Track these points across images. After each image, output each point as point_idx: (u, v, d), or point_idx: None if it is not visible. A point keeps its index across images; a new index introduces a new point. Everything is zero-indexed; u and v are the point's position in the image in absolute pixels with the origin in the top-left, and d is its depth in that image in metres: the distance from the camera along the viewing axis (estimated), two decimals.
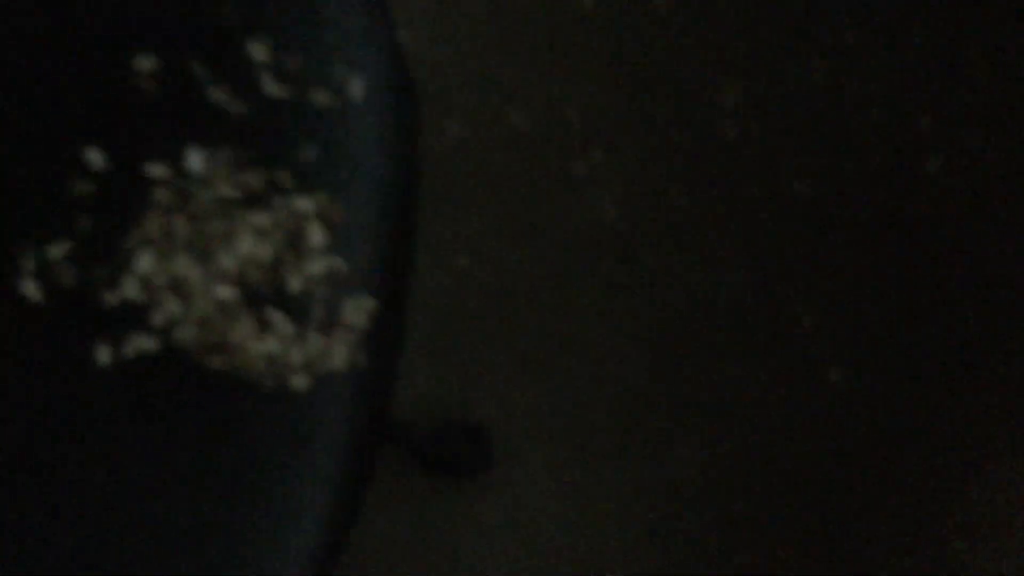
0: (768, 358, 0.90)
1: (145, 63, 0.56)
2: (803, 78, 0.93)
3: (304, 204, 0.55)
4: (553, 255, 0.90)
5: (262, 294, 0.55)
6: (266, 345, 0.54)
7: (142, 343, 0.54)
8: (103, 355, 0.55)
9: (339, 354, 0.54)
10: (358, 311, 0.55)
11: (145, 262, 0.54)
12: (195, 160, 0.55)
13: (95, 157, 0.56)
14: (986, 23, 0.94)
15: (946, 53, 0.94)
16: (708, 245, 0.91)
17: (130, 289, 0.54)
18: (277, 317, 0.54)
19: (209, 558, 0.54)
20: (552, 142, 0.91)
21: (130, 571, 0.53)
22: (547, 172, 0.90)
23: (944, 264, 0.92)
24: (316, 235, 0.55)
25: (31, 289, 0.55)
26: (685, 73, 0.92)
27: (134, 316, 0.54)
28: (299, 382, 0.54)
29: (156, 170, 0.56)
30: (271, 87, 0.56)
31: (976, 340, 0.91)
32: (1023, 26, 0.94)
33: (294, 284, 0.54)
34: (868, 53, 0.94)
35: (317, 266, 0.55)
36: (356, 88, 0.56)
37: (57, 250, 0.55)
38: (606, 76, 0.92)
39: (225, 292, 0.54)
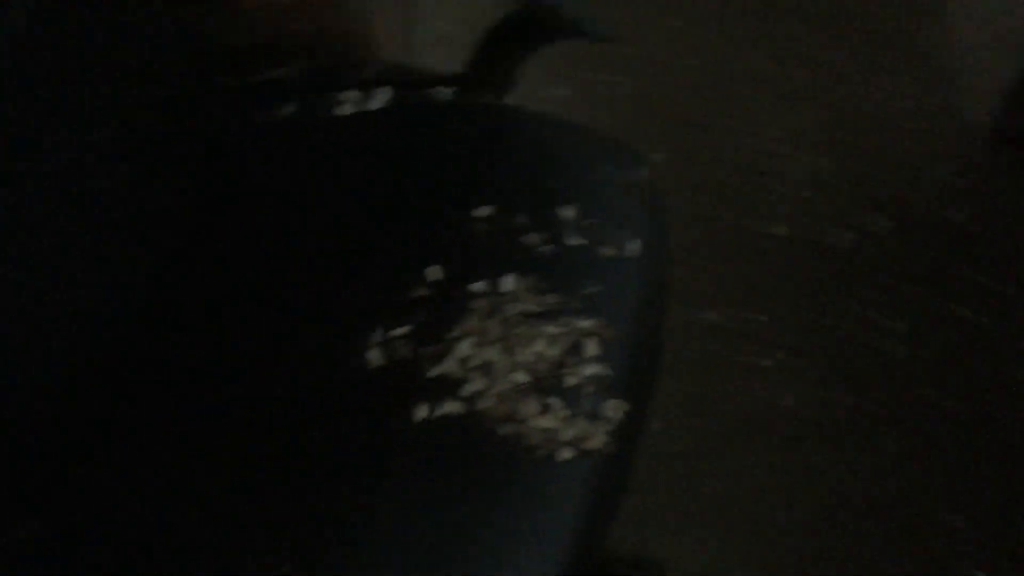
0: (916, 556, 1.01)
1: (483, 211, 0.78)
2: (962, 317, 1.09)
3: (586, 323, 0.74)
4: (733, 429, 1.06)
5: (547, 384, 0.73)
6: (545, 422, 0.71)
7: (453, 407, 0.73)
8: (421, 412, 0.73)
9: (598, 438, 0.71)
10: (616, 409, 0.72)
11: (465, 347, 0.74)
12: (509, 282, 0.76)
13: (434, 272, 0.77)
14: None
15: None
16: (866, 446, 1.05)
17: (450, 366, 0.73)
18: (556, 402, 0.72)
19: None
20: (746, 338, 1.08)
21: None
22: (739, 361, 1.08)
23: None
24: (592, 347, 0.73)
25: (376, 355, 0.75)
26: (860, 299, 1.10)
27: (450, 386, 0.73)
28: (565, 454, 0.71)
29: (479, 286, 0.76)
30: (572, 239, 0.77)
31: None
32: None
33: (571, 380, 0.73)
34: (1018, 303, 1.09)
35: (590, 370, 0.73)
36: (633, 248, 0.76)
37: (399, 331, 0.75)
38: (793, 296, 1.10)
39: (521, 377, 0.72)
